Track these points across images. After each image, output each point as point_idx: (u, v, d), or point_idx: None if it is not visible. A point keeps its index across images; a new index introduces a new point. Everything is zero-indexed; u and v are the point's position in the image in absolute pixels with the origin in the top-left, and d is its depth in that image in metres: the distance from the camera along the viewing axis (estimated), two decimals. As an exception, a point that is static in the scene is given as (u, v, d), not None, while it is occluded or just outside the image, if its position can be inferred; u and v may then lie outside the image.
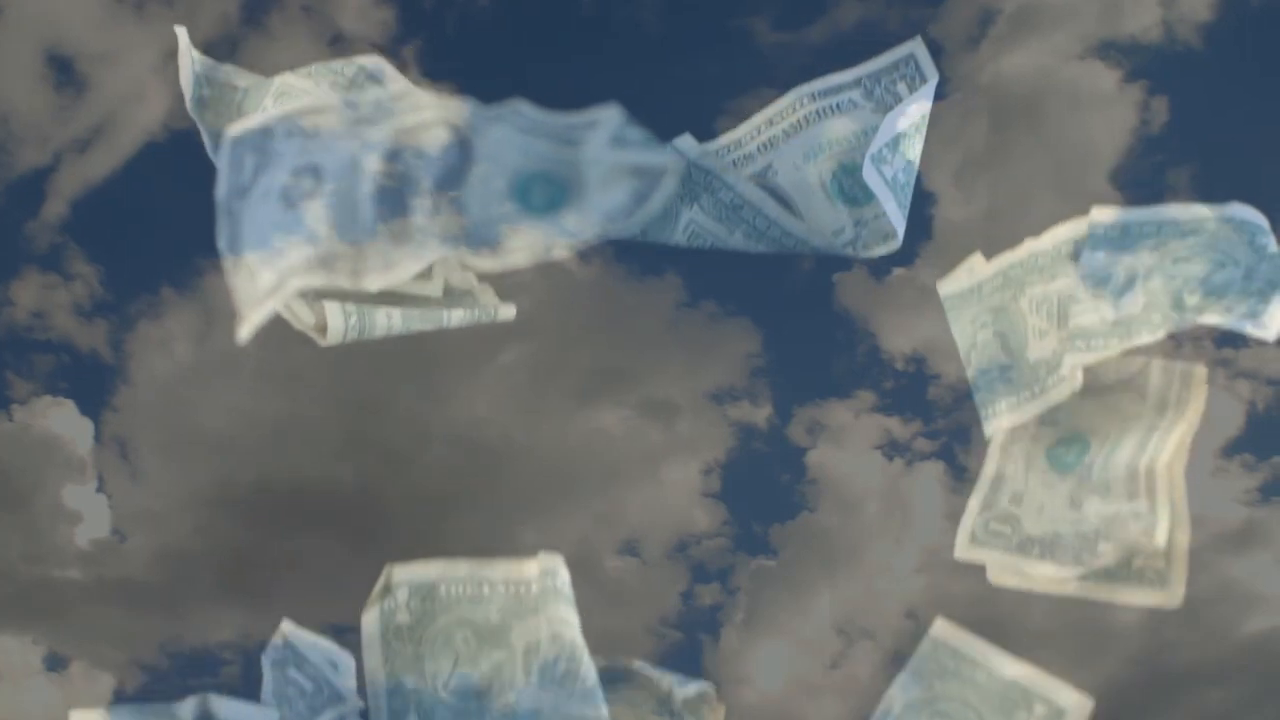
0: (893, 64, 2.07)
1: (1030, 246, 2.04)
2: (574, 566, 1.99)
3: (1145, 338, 1.89)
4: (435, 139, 1.77)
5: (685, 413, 5.44)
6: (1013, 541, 1.98)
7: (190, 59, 2.07)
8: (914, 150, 2.05)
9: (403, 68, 2.07)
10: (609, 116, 1.77)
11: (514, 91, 1.77)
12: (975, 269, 2.09)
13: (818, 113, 2.09)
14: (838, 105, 2.08)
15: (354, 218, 1.73)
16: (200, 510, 5.23)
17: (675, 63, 5.37)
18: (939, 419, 5.27)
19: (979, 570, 2.03)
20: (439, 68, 5.37)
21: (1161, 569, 1.87)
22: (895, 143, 2.01)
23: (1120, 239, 1.96)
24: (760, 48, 5.37)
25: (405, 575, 1.96)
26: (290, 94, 1.99)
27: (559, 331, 5.25)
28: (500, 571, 1.98)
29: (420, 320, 1.97)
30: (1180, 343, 1.95)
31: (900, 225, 2.05)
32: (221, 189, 1.69)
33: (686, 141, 2.04)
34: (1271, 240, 1.91)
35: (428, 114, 1.79)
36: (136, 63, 5.32)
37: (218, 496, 5.20)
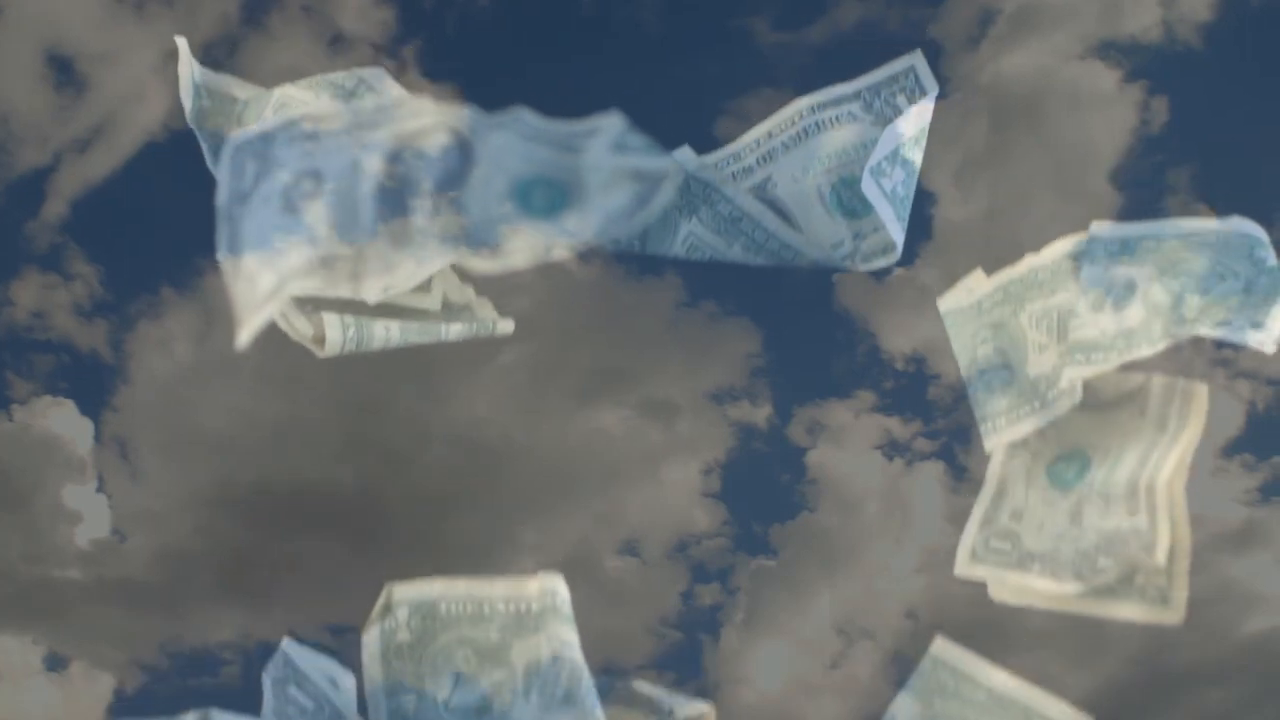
0: (892, 76, 2.07)
1: (1030, 262, 2.04)
2: (574, 566, 2.00)
3: (1145, 350, 1.89)
4: (436, 142, 1.77)
5: (685, 413, 5.45)
6: (1013, 558, 1.98)
7: (190, 69, 2.06)
8: (913, 163, 2.05)
9: (403, 68, 2.08)
10: (611, 123, 1.76)
11: (514, 91, 1.78)
12: (975, 285, 2.09)
13: (817, 125, 2.08)
14: (837, 118, 2.08)
15: (354, 218, 1.72)
16: (200, 510, 5.24)
17: (675, 63, 5.37)
18: (939, 419, 5.28)
19: (979, 571, 2.03)
20: (439, 68, 5.37)
21: (1163, 585, 1.87)
22: (894, 155, 2.01)
23: (1120, 252, 1.96)
24: (760, 48, 5.37)
25: (406, 594, 1.97)
26: (290, 105, 1.99)
27: (559, 331, 5.25)
28: (501, 590, 1.98)
29: (418, 333, 1.98)
30: (1180, 344, 1.95)
31: (899, 238, 2.05)
32: (222, 195, 1.68)
33: (685, 153, 2.03)
34: (1271, 253, 1.91)
35: (428, 119, 1.78)
36: (136, 63, 5.32)
37: (218, 497, 5.20)
